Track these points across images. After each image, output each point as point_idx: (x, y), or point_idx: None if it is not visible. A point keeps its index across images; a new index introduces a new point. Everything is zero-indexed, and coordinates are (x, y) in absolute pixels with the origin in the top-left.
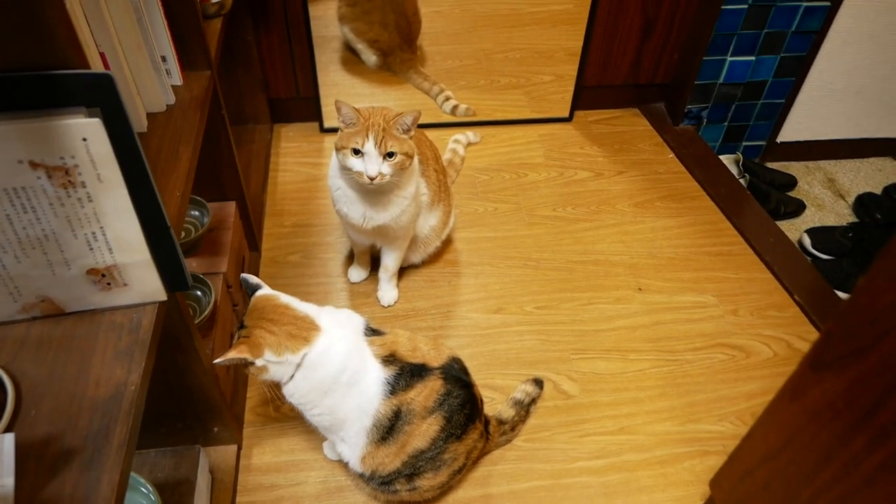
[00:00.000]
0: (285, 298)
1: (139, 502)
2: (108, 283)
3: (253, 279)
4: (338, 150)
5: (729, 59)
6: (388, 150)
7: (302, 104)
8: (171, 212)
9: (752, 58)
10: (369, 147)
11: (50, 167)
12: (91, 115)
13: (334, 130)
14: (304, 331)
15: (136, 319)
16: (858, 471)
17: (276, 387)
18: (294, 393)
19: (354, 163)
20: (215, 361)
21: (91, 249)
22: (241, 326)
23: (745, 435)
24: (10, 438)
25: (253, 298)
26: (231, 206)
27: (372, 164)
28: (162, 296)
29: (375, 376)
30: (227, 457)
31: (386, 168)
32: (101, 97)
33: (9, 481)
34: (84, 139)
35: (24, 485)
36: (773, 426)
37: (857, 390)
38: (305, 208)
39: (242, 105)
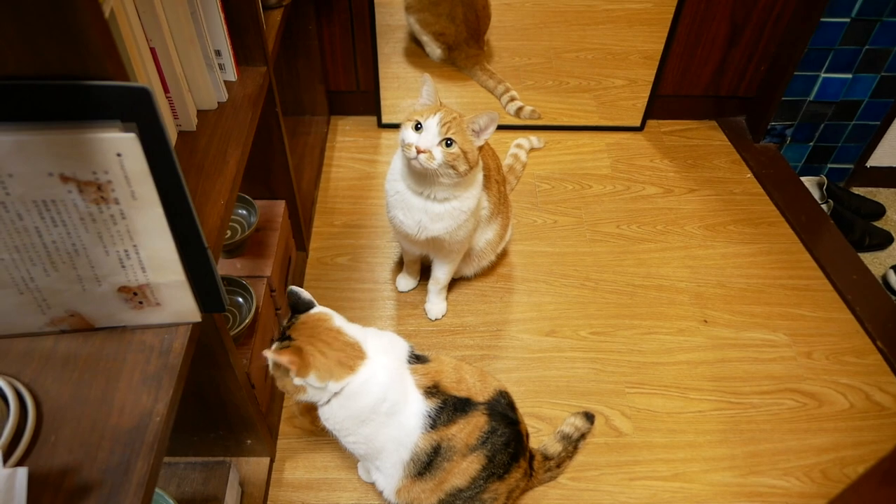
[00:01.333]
0: (338, 321)
1: None
2: (140, 302)
3: (305, 295)
4: (403, 125)
5: (822, 75)
6: (448, 135)
7: (361, 98)
8: (212, 222)
9: (849, 75)
10: (431, 123)
11: (81, 182)
12: (126, 130)
13: (392, 126)
14: (351, 359)
15: (167, 341)
16: None
17: (311, 407)
18: (329, 418)
19: (410, 135)
20: (263, 353)
21: (123, 267)
22: (285, 337)
23: None
24: (23, 474)
25: (305, 315)
26: (280, 206)
27: (426, 138)
28: (196, 317)
29: (416, 408)
30: (258, 469)
31: (438, 152)
32: (138, 111)
33: None
34: (118, 154)
35: None
36: None
37: None
38: (357, 207)
39: (300, 95)
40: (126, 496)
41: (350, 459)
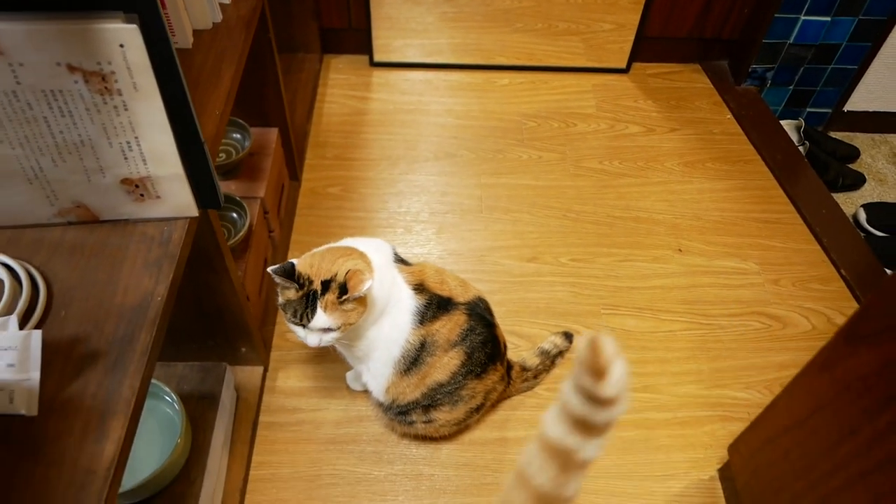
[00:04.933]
0: (341, 242)
1: (164, 410)
2: (142, 195)
3: (288, 264)
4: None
5: (802, 17)
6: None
7: (353, 36)
8: (208, 130)
9: (828, 18)
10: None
11: (87, 72)
12: (129, 21)
13: (385, 65)
14: (364, 262)
15: (167, 232)
16: (882, 447)
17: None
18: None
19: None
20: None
21: (125, 159)
22: (301, 286)
23: (770, 402)
24: (37, 335)
25: (302, 258)
26: (273, 133)
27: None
28: (193, 211)
29: (407, 305)
30: (252, 377)
31: (328, 338)
32: (139, 3)
33: (35, 375)
34: (121, 45)
35: (50, 380)
36: (800, 396)
37: (891, 366)
38: (349, 141)
39: (293, 32)
40: (131, 363)
41: (339, 371)
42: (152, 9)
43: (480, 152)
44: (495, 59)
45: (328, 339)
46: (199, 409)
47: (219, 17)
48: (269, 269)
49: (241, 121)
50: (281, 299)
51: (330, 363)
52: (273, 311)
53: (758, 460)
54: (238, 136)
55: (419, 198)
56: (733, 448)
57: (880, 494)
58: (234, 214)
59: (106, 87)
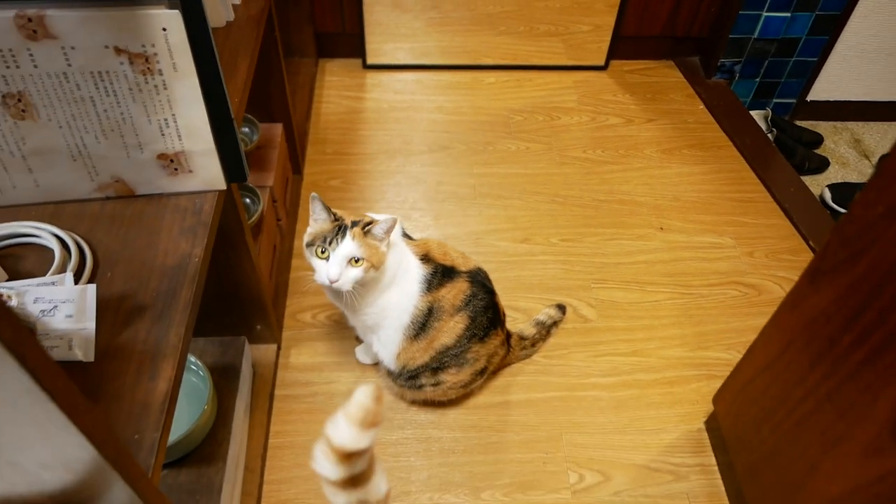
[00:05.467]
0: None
1: (190, 380)
2: (176, 169)
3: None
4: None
5: (764, 14)
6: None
7: (347, 40)
8: None
9: (788, 14)
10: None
11: (132, 54)
12: (171, 7)
13: (377, 67)
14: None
15: (198, 204)
16: (844, 366)
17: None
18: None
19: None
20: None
21: (163, 135)
22: (335, 220)
23: (748, 349)
24: (92, 288)
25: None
26: (278, 128)
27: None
28: (222, 185)
29: (415, 274)
30: (267, 354)
31: (349, 274)
32: None
33: (90, 324)
34: (164, 29)
35: (103, 331)
36: (774, 336)
37: (847, 295)
38: (346, 137)
39: (290, 37)
40: (176, 313)
41: (348, 346)
42: None
43: (472, 145)
44: (481, 59)
45: (348, 276)
46: (221, 380)
47: (231, 16)
48: (312, 194)
49: (249, 115)
50: (309, 236)
51: (339, 340)
52: (283, 295)
53: (740, 403)
54: (246, 129)
55: (416, 188)
56: (718, 397)
57: (843, 409)
58: (248, 200)
59: (148, 68)
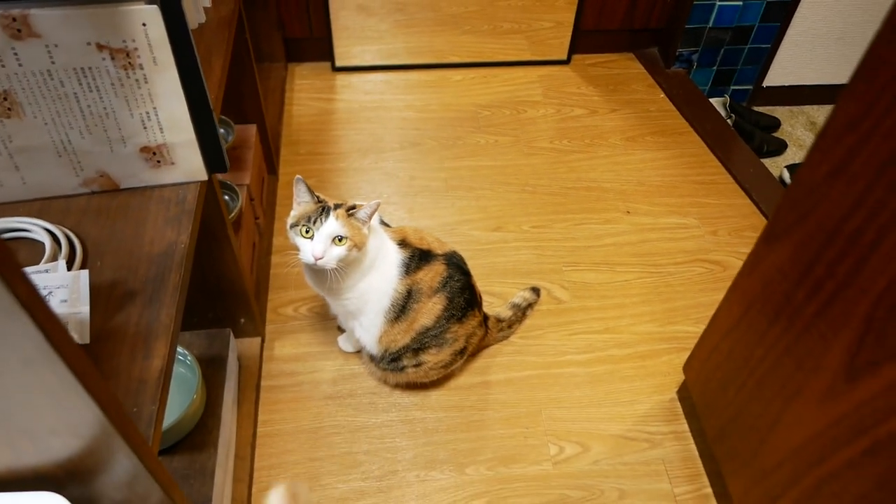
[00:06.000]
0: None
1: (178, 371)
2: (158, 161)
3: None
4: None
5: (718, 3)
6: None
7: (315, 44)
8: None
9: (740, 3)
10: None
11: (114, 49)
12: (150, 2)
13: (346, 69)
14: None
15: (181, 194)
16: (800, 319)
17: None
18: (344, 277)
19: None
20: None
21: (145, 128)
22: (319, 202)
23: (712, 316)
24: (84, 274)
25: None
26: (252, 129)
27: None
28: (203, 175)
29: (394, 258)
30: (251, 347)
31: (333, 252)
32: None
33: (84, 309)
34: (143, 24)
35: (97, 315)
36: (734, 301)
37: (798, 252)
38: (319, 138)
39: (259, 43)
40: (166, 296)
41: (330, 336)
42: None
43: (442, 140)
44: (448, 58)
45: (332, 254)
46: (209, 370)
47: (203, 19)
48: (297, 177)
49: (224, 117)
50: (293, 217)
51: (322, 331)
52: (264, 291)
53: (707, 369)
54: (222, 130)
55: (389, 183)
56: (687, 366)
57: (800, 360)
58: (227, 197)
59: (129, 63)
